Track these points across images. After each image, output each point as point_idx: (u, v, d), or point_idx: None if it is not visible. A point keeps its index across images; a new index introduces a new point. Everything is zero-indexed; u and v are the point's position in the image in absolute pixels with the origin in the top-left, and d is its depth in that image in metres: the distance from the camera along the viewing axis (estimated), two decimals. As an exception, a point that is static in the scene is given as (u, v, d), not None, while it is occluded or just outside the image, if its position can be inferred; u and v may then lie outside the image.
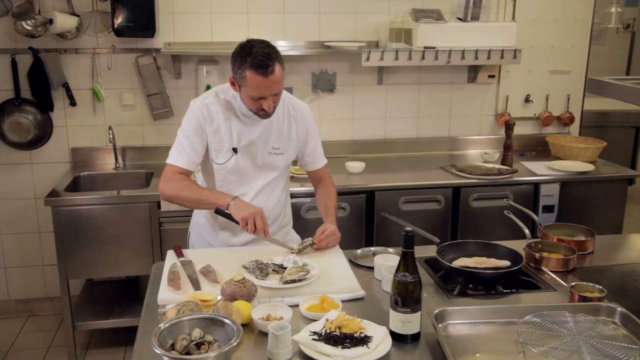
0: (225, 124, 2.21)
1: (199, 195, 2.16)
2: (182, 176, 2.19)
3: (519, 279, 2.00)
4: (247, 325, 1.66)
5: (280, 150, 2.29)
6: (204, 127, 2.19)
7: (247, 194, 2.27)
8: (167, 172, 2.20)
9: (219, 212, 2.13)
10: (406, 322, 1.58)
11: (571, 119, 4.03)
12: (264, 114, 2.13)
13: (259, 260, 2.01)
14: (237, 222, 2.09)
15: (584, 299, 1.75)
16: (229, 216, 2.11)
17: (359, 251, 2.24)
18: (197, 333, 1.46)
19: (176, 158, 2.20)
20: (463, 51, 3.48)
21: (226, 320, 1.49)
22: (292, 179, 3.27)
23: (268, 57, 2.03)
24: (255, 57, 2.01)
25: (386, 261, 1.99)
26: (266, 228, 2.10)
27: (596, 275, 2.01)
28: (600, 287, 1.77)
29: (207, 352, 1.42)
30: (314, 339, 1.54)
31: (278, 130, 2.28)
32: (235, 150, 2.23)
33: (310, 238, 2.19)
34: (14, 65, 3.40)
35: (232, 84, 2.15)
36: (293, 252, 2.12)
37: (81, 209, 3.03)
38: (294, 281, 1.87)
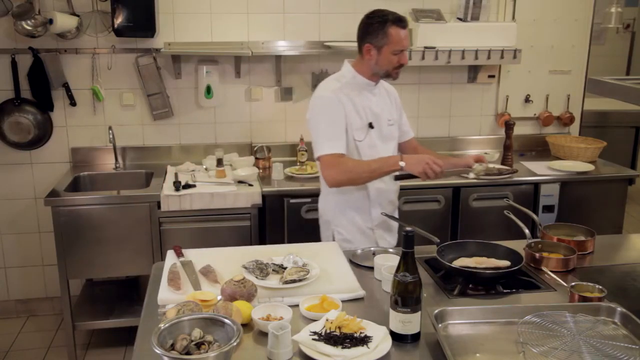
0: (357, 102, 2.37)
1: (369, 167, 2.29)
2: (346, 157, 2.32)
3: (519, 279, 2.00)
4: (247, 325, 1.66)
5: (392, 121, 2.50)
6: (343, 111, 2.32)
7: None
8: (332, 160, 2.29)
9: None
10: (406, 322, 1.58)
11: (571, 119, 4.03)
12: (397, 72, 2.38)
13: (259, 260, 2.01)
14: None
15: (584, 299, 1.75)
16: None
17: (359, 251, 2.24)
18: (197, 333, 1.46)
19: (333, 145, 2.30)
20: (463, 51, 3.48)
21: (226, 320, 1.49)
22: (292, 178, 3.28)
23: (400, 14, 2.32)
24: (393, 14, 2.29)
25: (386, 261, 1.99)
26: (443, 167, 2.24)
27: (596, 275, 2.01)
28: (600, 287, 1.77)
29: (207, 352, 1.41)
30: (314, 339, 1.54)
31: (386, 103, 2.50)
32: (371, 125, 2.40)
33: (483, 164, 2.39)
34: (14, 65, 3.40)
35: (368, 52, 2.32)
36: (480, 166, 2.37)
37: (81, 209, 3.03)
38: (294, 281, 1.87)
